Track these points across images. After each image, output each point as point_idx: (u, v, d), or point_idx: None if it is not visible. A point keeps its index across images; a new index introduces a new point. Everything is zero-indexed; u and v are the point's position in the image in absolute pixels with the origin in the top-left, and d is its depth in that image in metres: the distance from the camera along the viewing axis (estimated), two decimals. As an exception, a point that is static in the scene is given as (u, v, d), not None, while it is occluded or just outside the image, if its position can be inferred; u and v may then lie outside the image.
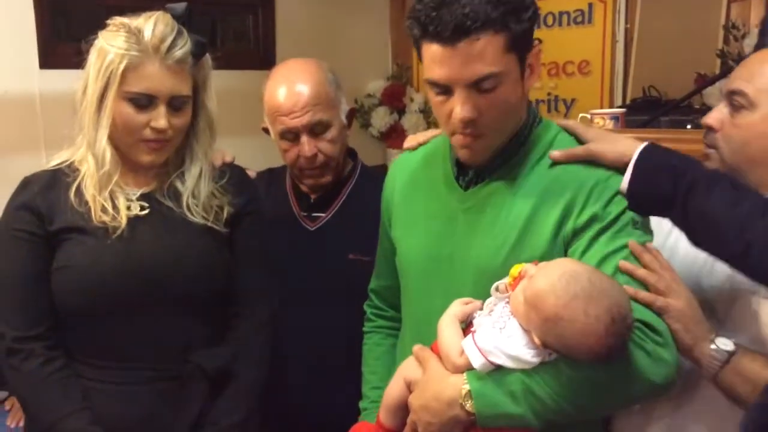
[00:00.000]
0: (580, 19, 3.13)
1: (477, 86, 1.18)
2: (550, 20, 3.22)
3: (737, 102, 1.26)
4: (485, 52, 1.15)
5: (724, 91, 1.31)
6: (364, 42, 3.36)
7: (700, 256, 1.26)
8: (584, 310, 1.06)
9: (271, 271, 1.63)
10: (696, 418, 1.28)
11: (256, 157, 2.00)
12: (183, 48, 1.43)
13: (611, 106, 2.92)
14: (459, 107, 1.19)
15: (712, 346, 1.16)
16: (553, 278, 1.08)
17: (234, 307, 1.56)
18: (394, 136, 3.49)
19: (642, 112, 2.43)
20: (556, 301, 1.07)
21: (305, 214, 1.84)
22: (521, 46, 1.20)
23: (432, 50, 1.18)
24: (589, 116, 2.26)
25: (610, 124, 2.18)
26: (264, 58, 3.20)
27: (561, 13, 3.18)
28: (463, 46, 1.15)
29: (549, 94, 3.27)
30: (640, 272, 1.18)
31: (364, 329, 1.61)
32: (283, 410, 1.75)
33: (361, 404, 1.52)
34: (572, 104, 3.18)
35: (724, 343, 1.16)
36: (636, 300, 1.17)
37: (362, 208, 1.65)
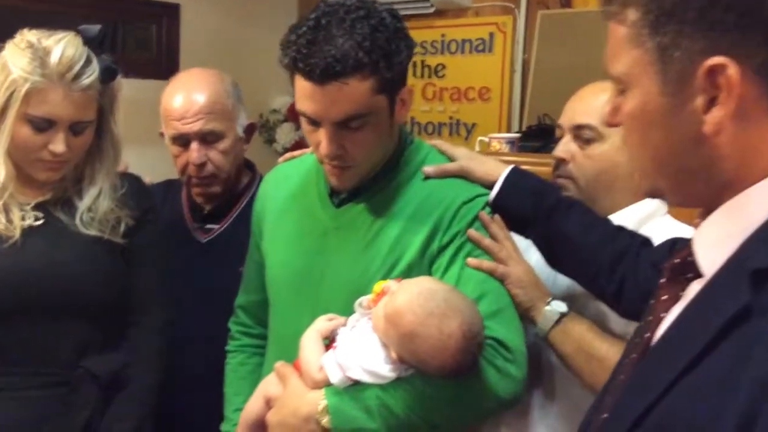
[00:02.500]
0: (481, 47, 3.25)
1: (344, 124, 1.19)
2: (453, 47, 3.33)
3: (586, 135, 1.35)
4: (353, 95, 1.16)
5: (566, 125, 1.40)
6: (271, 57, 3.34)
7: (545, 270, 1.35)
8: (438, 327, 1.09)
9: (168, 281, 1.62)
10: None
11: (157, 166, 1.96)
12: (90, 76, 1.41)
13: (509, 131, 3.03)
14: (325, 143, 1.20)
15: (547, 307, 1.26)
16: (411, 296, 1.11)
17: (129, 314, 1.56)
18: (298, 153, 3.50)
19: (536, 138, 2.54)
20: (413, 318, 1.10)
21: (198, 225, 1.82)
22: (392, 87, 1.21)
23: (302, 84, 1.17)
24: (487, 140, 2.36)
25: (505, 148, 2.27)
26: (167, 68, 3.14)
27: (463, 41, 3.29)
28: (331, 88, 1.14)
29: (451, 117, 3.37)
30: (486, 242, 1.26)
31: (228, 348, 1.56)
32: (170, 420, 1.71)
33: (223, 427, 1.49)
34: (473, 128, 3.29)
35: (558, 305, 1.26)
36: (480, 269, 1.23)
37: None
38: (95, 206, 1.49)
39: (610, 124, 0.78)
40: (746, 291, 0.60)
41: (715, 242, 0.68)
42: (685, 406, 0.61)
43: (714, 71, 0.64)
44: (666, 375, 0.64)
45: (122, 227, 1.51)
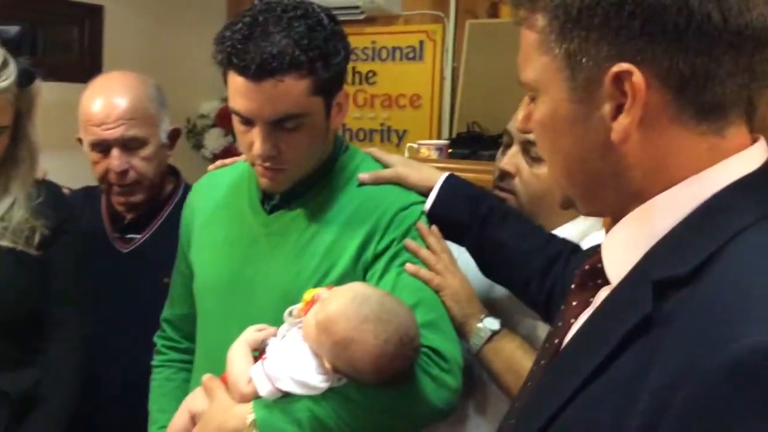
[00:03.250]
0: (411, 55, 3.27)
1: (279, 124, 1.16)
2: (384, 54, 3.34)
3: (535, 153, 1.27)
4: (289, 94, 1.13)
5: (519, 138, 1.31)
6: (199, 61, 3.29)
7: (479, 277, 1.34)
8: (374, 332, 1.07)
9: (86, 295, 1.56)
10: None
11: (78, 173, 1.90)
12: (6, 80, 1.35)
13: (440, 138, 3.05)
14: (258, 143, 1.17)
15: (479, 324, 1.25)
16: (344, 301, 1.08)
17: (45, 329, 1.50)
18: (227, 159, 3.44)
19: (465, 145, 2.58)
20: (347, 324, 1.06)
21: (119, 235, 1.76)
22: (328, 89, 1.19)
23: (236, 81, 1.15)
24: (416, 146, 2.37)
25: (434, 154, 2.29)
26: (90, 71, 3.01)
27: (394, 49, 3.31)
28: (267, 85, 1.12)
29: (382, 124, 3.37)
30: (423, 252, 1.25)
31: (153, 363, 1.51)
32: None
33: None
34: (404, 135, 3.30)
35: (491, 323, 1.25)
36: (417, 277, 1.22)
37: None
38: (8, 216, 1.43)
39: (523, 131, 0.78)
40: (648, 301, 0.60)
41: (621, 250, 0.68)
42: (589, 413, 0.61)
43: (620, 78, 0.63)
44: (570, 382, 0.64)
45: (37, 238, 1.45)
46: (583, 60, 0.65)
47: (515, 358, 1.23)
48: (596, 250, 0.74)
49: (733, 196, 0.63)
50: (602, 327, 0.66)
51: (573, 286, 0.78)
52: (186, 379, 1.43)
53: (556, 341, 0.76)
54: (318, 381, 1.11)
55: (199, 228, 1.40)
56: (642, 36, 0.63)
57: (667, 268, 0.61)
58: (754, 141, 0.67)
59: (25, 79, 1.39)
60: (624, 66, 0.63)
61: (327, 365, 1.10)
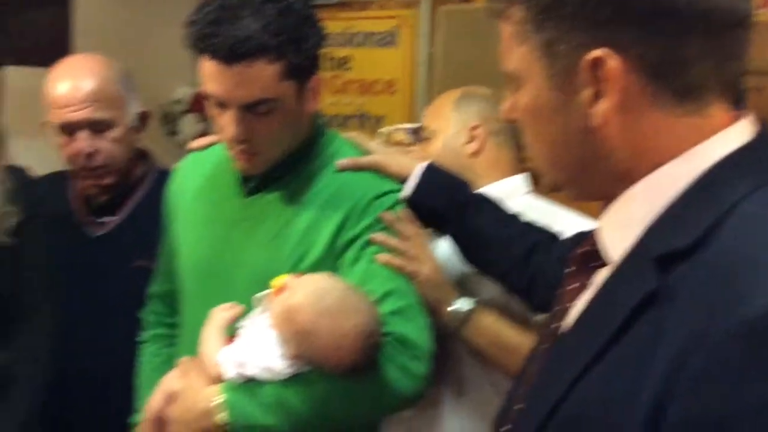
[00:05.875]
0: (386, 40, 3.26)
1: (251, 108, 1.17)
2: (358, 40, 3.33)
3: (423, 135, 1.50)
4: (259, 78, 1.14)
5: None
6: (171, 46, 3.25)
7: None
8: (330, 326, 1.09)
9: (56, 280, 1.55)
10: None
11: (48, 158, 1.87)
12: None
13: (416, 124, 3.06)
14: (231, 126, 1.18)
15: (454, 307, 1.27)
16: (306, 293, 1.10)
17: (15, 314, 1.49)
18: (202, 145, 3.41)
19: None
20: (305, 317, 1.09)
21: (90, 219, 1.74)
22: (300, 74, 1.19)
23: (207, 65, 1.15)
24: (385, 131, 2.36)
25: (408, 139, 2.29)
26: (59, 56, 2.99)
27: (368, 34, 3.29)
28: (237, 69, 1.13)
29: (358, 110, 3.37)
30: (392, 243, 1.25)
31: (141, 338, 1.52)
32: (66, 423, 1.66)
33: (133, 420, 1.43)
34: (380, 121, 3.30)
35: (464, 302, 1.28)
36: (389, 265, 1.22)
37: (156, 212, 1.55)
38: None
39: (507, 121, 0.79)
40: (652, 277, 0.61)
41: (619, 230, 0.69)
42: (600, 390, 0.61)
43: (596, 64, 0.64)
44: (578, 361, 0.64)
45: (7, 224, 1.43)
46: (560, 48, 0.67)
47: (498, 331, 1.25)
48: (586, 236, 0.75)
49: (726, 169, 0.64)
50: (607, 305, 0.67)
51: (568, 270, 0.78)
52: (172, 354, 1.43)
53: (555, 325, 0.77)
54: (282, 367, 1.13)
55: (182, 207, 1.40)
56: (612, 23, 0.64)
57: (668, 242, 0.62)
58: (739, 118, 0.68)
59: None
60: (598, 52, 0.64)
61: (290, 353, 1.12)
